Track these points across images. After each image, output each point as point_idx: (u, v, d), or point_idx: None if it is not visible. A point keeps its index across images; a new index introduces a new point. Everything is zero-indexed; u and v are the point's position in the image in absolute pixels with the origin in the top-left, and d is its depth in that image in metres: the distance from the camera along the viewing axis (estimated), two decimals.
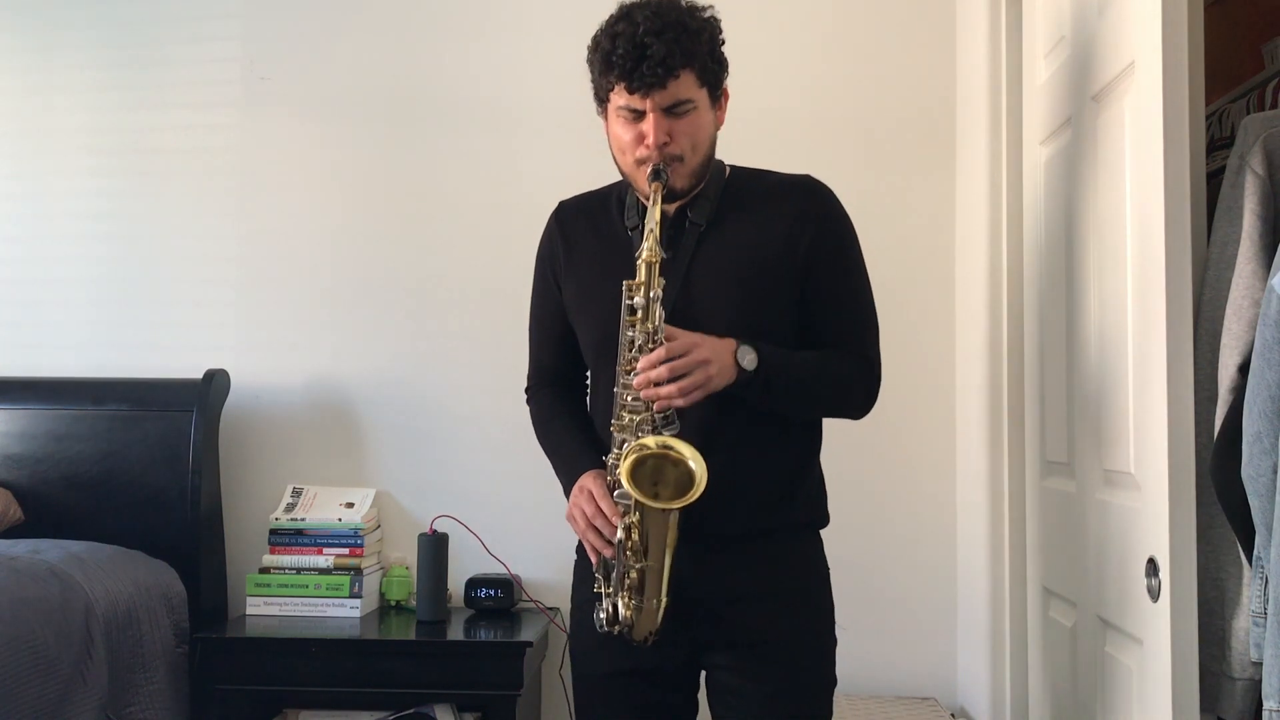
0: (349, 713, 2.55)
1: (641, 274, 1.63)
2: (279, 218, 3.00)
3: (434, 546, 2.68)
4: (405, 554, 2.83)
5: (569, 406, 1.88)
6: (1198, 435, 1.57)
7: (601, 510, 1.65)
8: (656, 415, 1.62)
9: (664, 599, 1.62)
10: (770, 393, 1.67)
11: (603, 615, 1.65)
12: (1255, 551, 1.59)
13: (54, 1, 3.09)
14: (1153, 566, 1.57)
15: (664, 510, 1.58)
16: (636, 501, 1.58)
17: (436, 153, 2.98)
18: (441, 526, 2.74)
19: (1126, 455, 1.70)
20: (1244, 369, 1.65)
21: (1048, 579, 2.18)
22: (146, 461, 2.79)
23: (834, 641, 1.80)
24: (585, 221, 1.86)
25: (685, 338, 1.61)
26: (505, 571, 2.80)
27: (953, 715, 2.65)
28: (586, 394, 1.89)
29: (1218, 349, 1.74)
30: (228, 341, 2.97)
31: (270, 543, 2.76)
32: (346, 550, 2.74)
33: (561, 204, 1.93)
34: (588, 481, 1.70)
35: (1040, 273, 2.22)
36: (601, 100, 1.73)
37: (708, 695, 1.79)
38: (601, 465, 1.72)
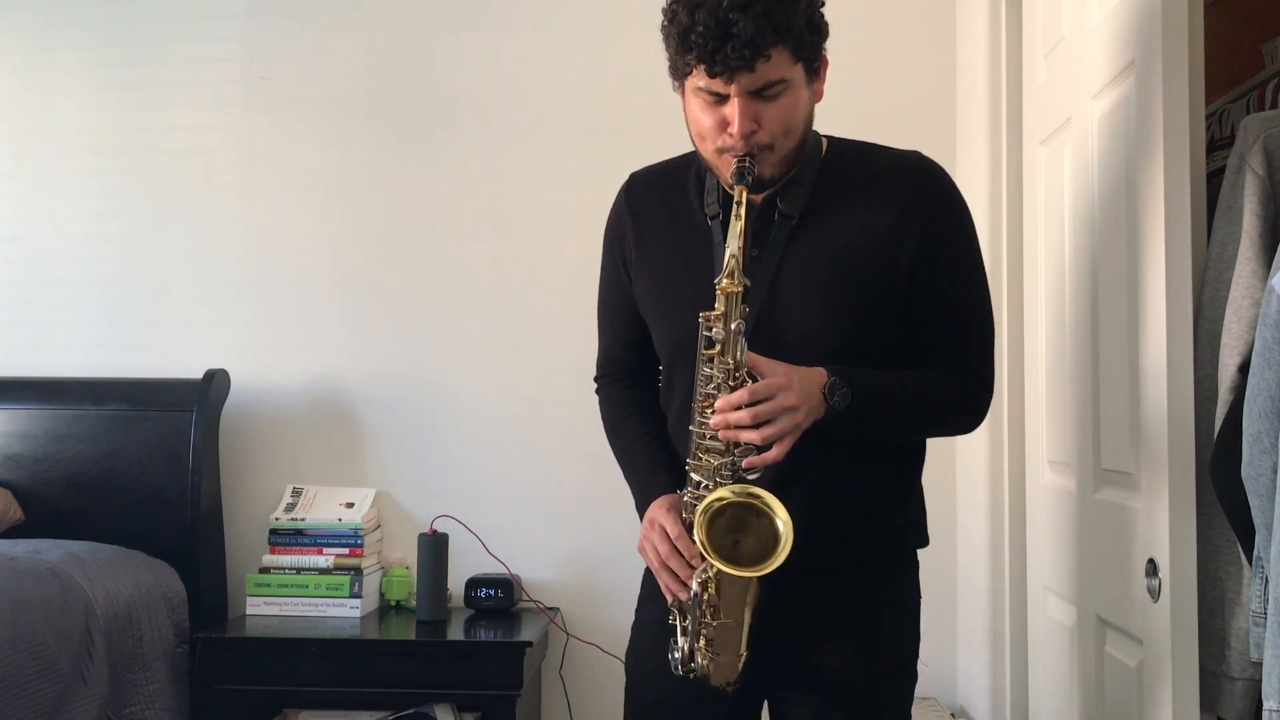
0: (349, 713, 2.56)
1: (720, 305, 1.41)
2: (279, 217, 3.00)
3: (434, 546, 2.68)
4: (405, 554, 2.83)
5: (641, 406, 1.69)
6: (1198, 435, 1.57)
7: (677, 550, 1.48)
8: (739, 460, 1.42)
9: (744, 653, 1.46)
10: (863, 426, 1.49)
11: (677, 655, 1.49)
12: (1255, 551, 1.59)
13: (54, 1, 3.09)
14: (1153, 566, 1.57)
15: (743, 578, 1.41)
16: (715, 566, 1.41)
17: (436, 153, 2.98)
18: (441, 526, 2.74)
19: (1126, 455, 1.70)
20: (1244, 369, 1.65)
21: (1048, 579, 2.18)
22: (146, 461, 2.79)
23: (914, 681, 1.65)
24: (658, 201, 1.64)
25: (771, 378, 1.41)
26: (505, 571, 2.80)
27: (953, 715, 2.65)
28: (659, 385, 1.70)
29: (1218, 349, 1.74)
30: (228, 341, 2.97)
31: (270, 543, 2.76)
32: (346, 550, 2.74)
33: (633, 177, 1.70)
34: (661, 515, 1.52)
35: (1040, 273, 2.22)
36: (678, 77, 1.49)
37: None
38: (675, 484, 1.55)
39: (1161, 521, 1.55)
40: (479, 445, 2.91)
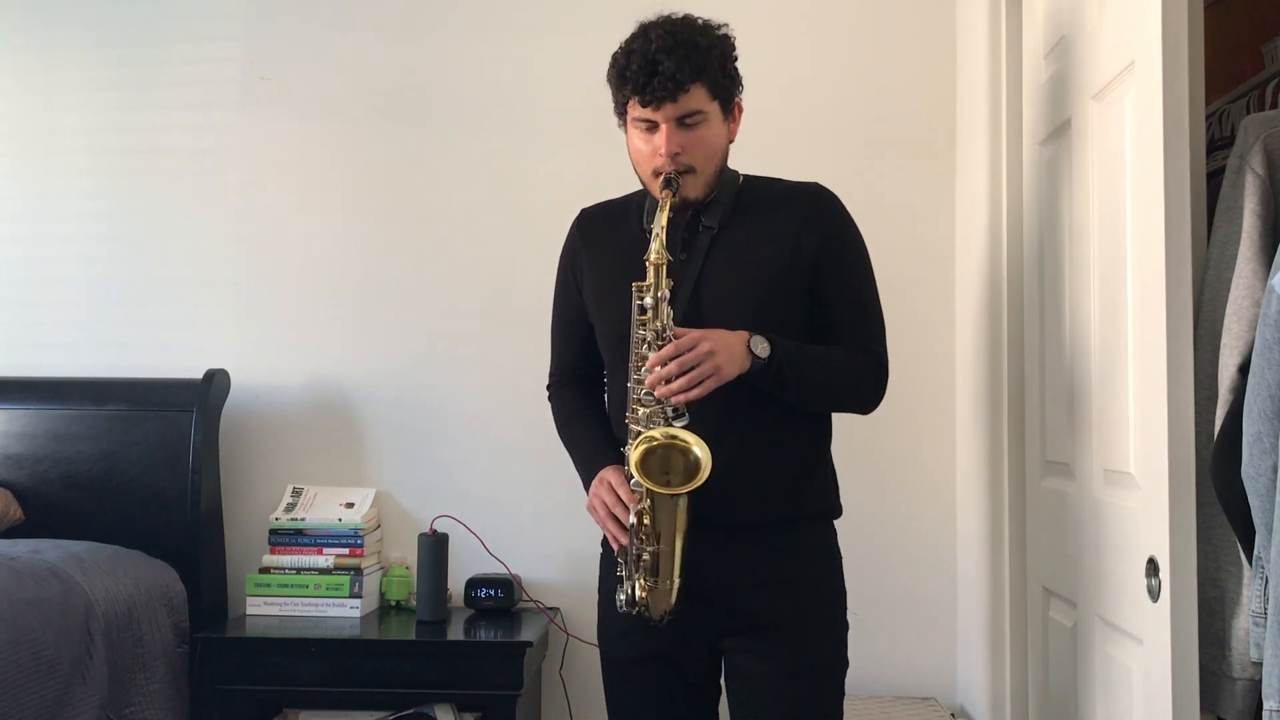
0: (349, 713, 2.55)
1: (650, 275, 1.71)
2: (279, 218, 3.00)
3: (434, 546, 2.68)
4: (405, 554, 2.83)
5: (589, 404, 1.95)
6: (1198, 435, 1.57)
7: (620, 499, 1.74)
8: (668, 408, 1.70)
9: (677, 580, 1.71)
10: (783, 381, 1.74)
11: (622, 597, 1.74)
12: (1255, 551, 1.59)
13: (54, 1, 3.09)
14: (1153, 566, 1.57)
15: (673, 496, 1.68)
16: (647, 489, 1.68)
17: (436, 153, 2.97)
18: (441, 526, 2.74)
19: (1126, 455, 1.71)
20: (1244, 369, 1.65)
21: (1048, 579, 2.18)
22: (146, 461, 2.79)
23: (845, 626, 1.87)
24: (605, 227, 1.95)
25: (692, 333, 1.69)
26: (505, 571, 2.80)
27: (953, 715, 2.65)
28: (605, 390, 1.95)
29: (1218, 349, 1.74)
30: (228, 341, 2.97)
31: (270, 543, 2.76)
32: (346, 550, 2.74)
33: (583, 211, 2.01)
34: (606, 474, 1.79)
35: (1040, 272, 2.22)
36: (620, 114, 1.83)
37: (725, 678, 1.85)
38: (619, 460, 1.79)
39: (1161, 521, 1.55)
40: (479, 445, 2.91)
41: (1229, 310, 1.72)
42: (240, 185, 3.02)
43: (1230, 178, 1.80)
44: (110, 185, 3.05)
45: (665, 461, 1.69)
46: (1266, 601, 1.54)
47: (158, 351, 2.98)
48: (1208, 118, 2.11)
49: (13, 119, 3.10)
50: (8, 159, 3.09)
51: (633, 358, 1.74)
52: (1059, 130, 2.09)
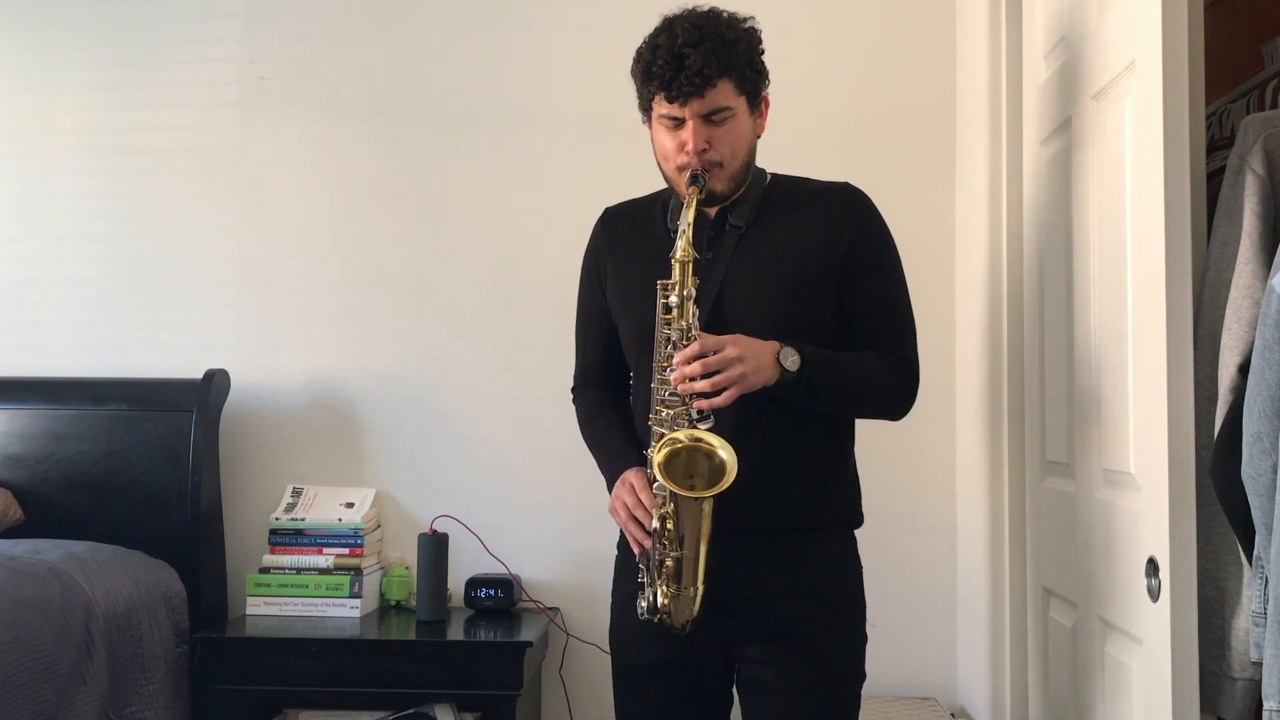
0: (349, 713, 2.55)
1: (675, 273, 1.68)
2: (279, 218, 3.00)
3: (434, 546, 2.68)
4: (405, 554, 2.83)
5: (613, 405, 1.92)
6: (1198, 435, 1.57)
7: (642, 501, 1.69)
8: (692, 410, 1.65)
9: (700, 586, 1.66)
10: (813, 393, 1.70)
11: (644, 604, 1.70)
12: (1255, 551, 1.59)
13: (54, 1, 3.09)
14: (1153, 566, 1.57)
15: (697, 499, 1.63)
16: (671, 492, 1.63)
17: (436, 153, 2.97)
18: (441, 526, 2.74)
19: (1126, 455, 1.71)
20: (1244, 369, 1.65)
21: (1048, 579, 2.18)
22: (146, 461, 2.79)
23: (864, 638, 1.84)
24: (629, 225, 1.91)
25: (719, 336, 1.65)
26: (505, 571, 2.80)
27: (953, 715, 2.65)
28: (630, 394, 1.91)
29: (1218, 349, 1.74)
30: (228, 341, 2.97)
31: (270, 543, 2.76)
32: (346, 550, 2.74)
33: (607, 210, 1.97)
34: (629, 475, 1.75)
35: (1040, 273, 2.23)
36: (645, 110, 1.78)
37: (738, 688, 1.83)
38: (643, 462, 1.75)
39: (1161, 521, 1.55)
40: (479, 445, 2.91)
41: (1229, 310, 1.72)
42: (240, 185, 3.02)
43: (1230, 178, 1.80)
44: (110, 185, 3.05)
45: (690, 464, 1.65)
46: (1266, 601, 1.54)
47: (158, 351, 2.98)
48: (1208, 118, 2.10)
49: (12, 119, 3.10)
50: (7, 159, 3.09)
51: (657, 357, 1.71)
52: (1059, 130, 2.09)
